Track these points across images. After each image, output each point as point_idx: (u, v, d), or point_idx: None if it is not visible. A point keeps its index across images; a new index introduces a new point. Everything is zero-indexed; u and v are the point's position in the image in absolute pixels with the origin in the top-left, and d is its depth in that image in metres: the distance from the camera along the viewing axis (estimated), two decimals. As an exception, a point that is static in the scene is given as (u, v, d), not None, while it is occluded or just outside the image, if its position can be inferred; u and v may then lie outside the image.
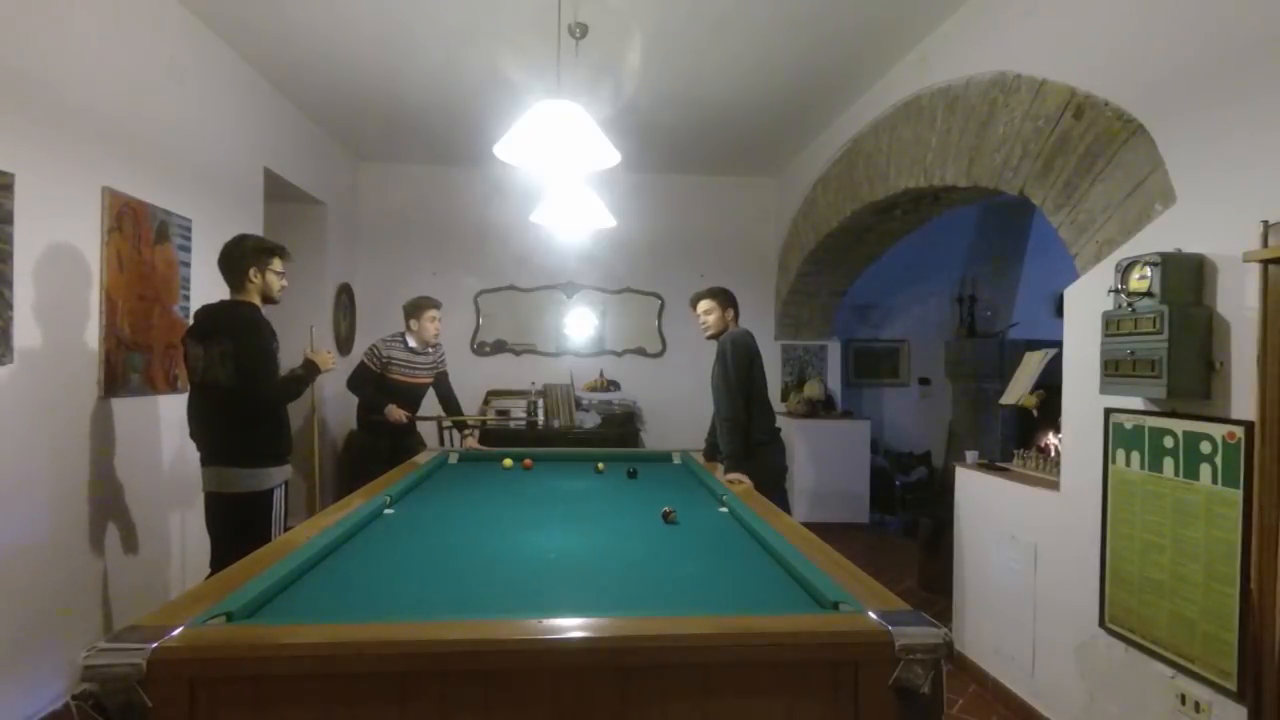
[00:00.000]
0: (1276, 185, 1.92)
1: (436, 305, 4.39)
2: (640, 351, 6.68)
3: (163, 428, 3.38)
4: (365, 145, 5.91)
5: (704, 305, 3.51)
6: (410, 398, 4.37)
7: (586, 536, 2.30)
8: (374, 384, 4.28)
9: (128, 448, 3.13)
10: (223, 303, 2.84)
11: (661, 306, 6.66)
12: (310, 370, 2.97)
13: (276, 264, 2.90)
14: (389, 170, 6.41)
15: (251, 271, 2.83)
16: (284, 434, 2.90)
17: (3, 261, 2.45)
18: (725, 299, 3.49)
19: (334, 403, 5.83)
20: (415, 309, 4.34)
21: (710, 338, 3.52)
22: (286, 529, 2.59)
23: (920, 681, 1.31)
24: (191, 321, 2.86)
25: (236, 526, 2.73)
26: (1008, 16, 3.13)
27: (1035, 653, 2.90)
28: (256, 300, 2.86)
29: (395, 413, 4.18)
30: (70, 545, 2.82)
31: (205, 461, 2.80)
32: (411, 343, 4.33)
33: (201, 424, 2.81)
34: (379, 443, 4.26)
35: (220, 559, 2.73)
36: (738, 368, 3.26)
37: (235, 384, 2.70)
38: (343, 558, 1.96)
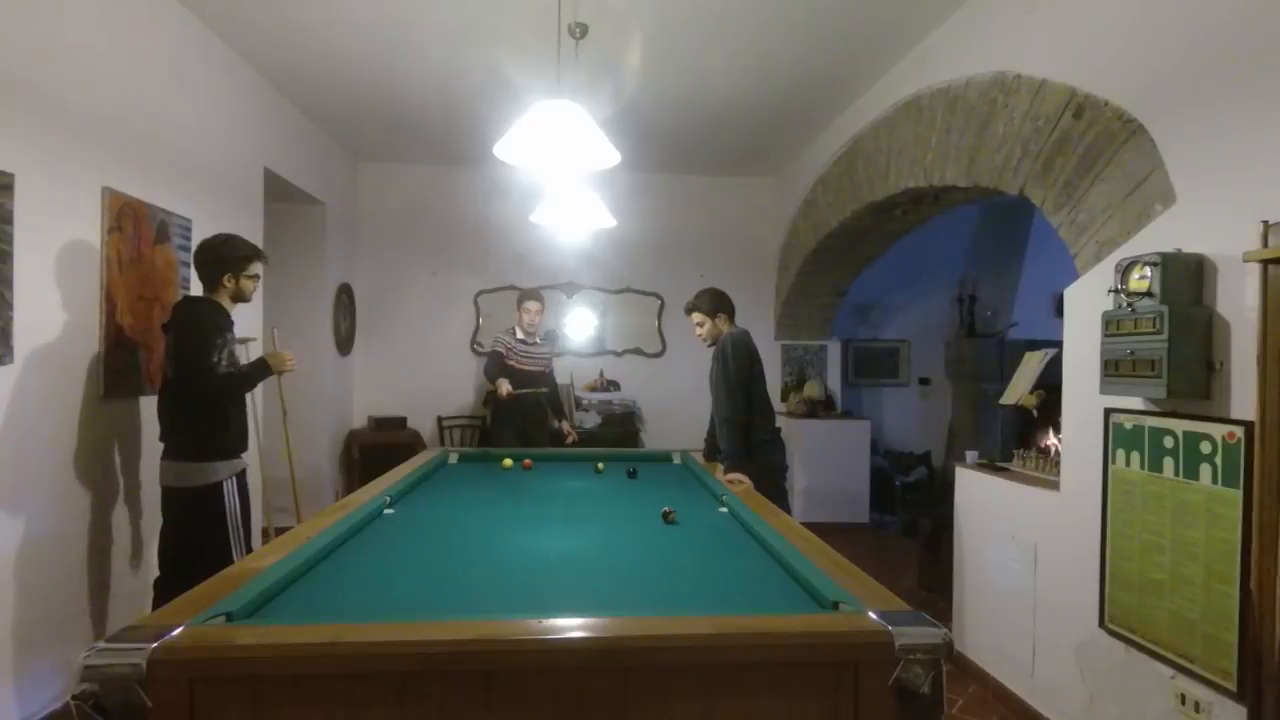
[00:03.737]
0: (1276, 185, 1.92)
1: (533, 298, 4.71)
2: (640, 351, 6.68)
3: (163, 428, 3.38)
4: (365, 145, 5.91)
5: (695, 318, 3.50)
6: (527, 383, 4.64)
7: (586, 536, 2.30)
8: (503, 368, 4.67)
9: (128, 447, 3.13)
10: (182, 299, 2.91)
11: (661, 306, 6.66)
12: (258, 367, 2.92)
13: (253, 268, 2.93)
14: (389, 170, 6.41)
15: (226, 278, 2.87)
16: (232, 428, 2.89)
17: (3, 261, 2.45)
18: (712, 306, 3.46)
19: (335, 402, 5.83)
20: (517, 301, 4.74)
21: (709, 345, 3.51)
22: (281, 530, 2.58)
23: (920, 681, 1.31)
24: None
25: (190, 521, 2.77)
26: (1008, 16, 3.13)
27: (1035, 653, 2.90)
28: (226, 301, 2.89)
29: (502, 386, 4.50)
30: (70, 545, 2.82)
31: (161, 455, 2.84)
32: (519, 333, 4.70)
33: (159, 419, 2.86)
34: (505, 432, 4.64)
35: (167, 551, 2.81)
36: (738, 368, 3.25)
37: (175, 377, 2.75)
38: (343, 557, 1.96)
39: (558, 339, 6.42)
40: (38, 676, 2.66)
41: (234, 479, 2.86)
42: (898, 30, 3.74)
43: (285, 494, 4.16)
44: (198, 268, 2.90)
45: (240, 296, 2.93)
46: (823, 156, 5.30)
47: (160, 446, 2.84)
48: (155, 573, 3.17)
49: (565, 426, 4.80)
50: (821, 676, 1.36)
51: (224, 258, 2.87)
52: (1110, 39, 2.55)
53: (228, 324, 2.85)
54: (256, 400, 3.55)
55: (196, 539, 2.74)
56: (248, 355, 3.47)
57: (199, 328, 2.75)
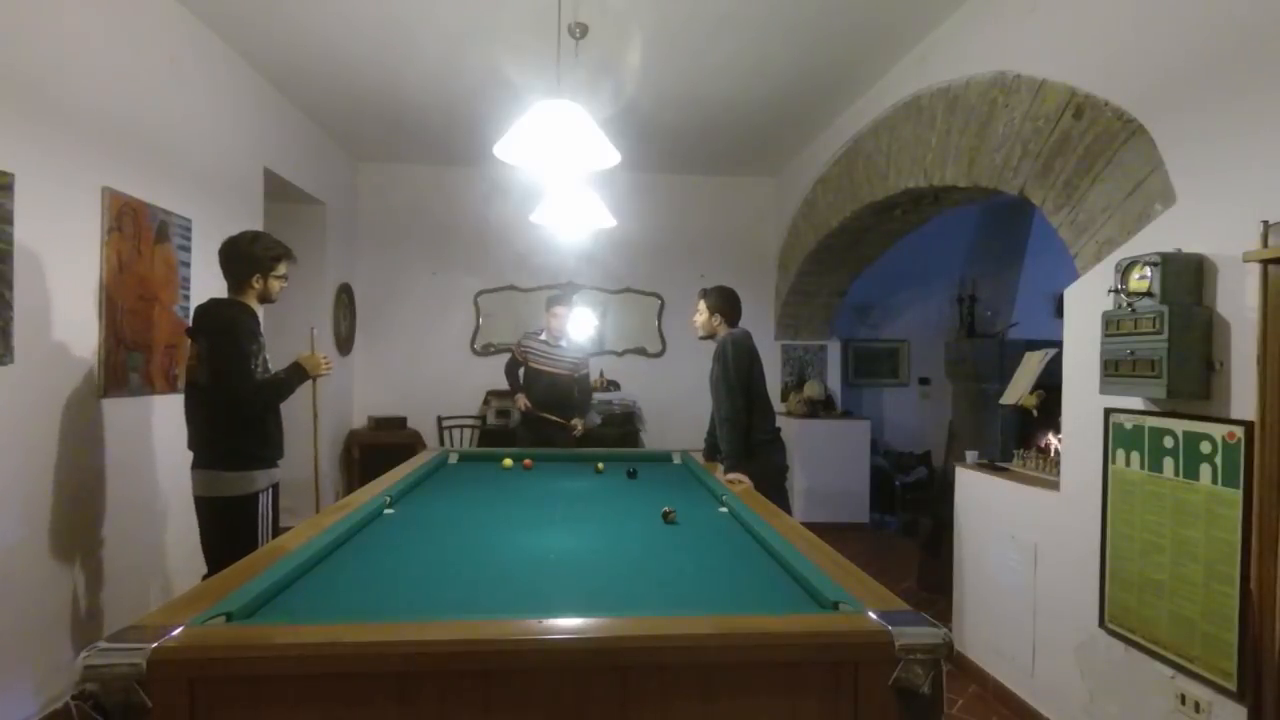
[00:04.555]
0: (1276, 185, 1.93)
1: (558, 303, 4.75)
2: (640, 351, 6.68)
3: (162, 428, 3.38)
4: (365, 145, 5.91)
5: (700, 305, 3.51)
6: (553, 385, 4.67)
7: (586, 537, 2.30)
8: (521, 372, 4.75)
9: (127, 447, 3.13)
10: (210, 302, 2.79)
11: (661, 306, 6.67)
12: (294, 373, 2.84)
13: (281, 268, 2.85)
14: (388, 170, 6.41)
15: (255, 278, 2.78)
16: (271, 437, 2.81)
17: (3, 261, 2.45)
18: (715, 302, 3.46)
19: (335, 402, 5.83)
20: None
21: (701, 338, 3.54)
22: (281, 531, 2.58)
23: (920, 681, 1.31)
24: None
25: (225, 531, 2.69)
26: (1008, 16, 3.13)
27: (1035, 653, 2.90)
28: (253, 302, 2.81)
29: (520, 401, 4.66)
30: (70, 545, 2.82)
31: (194, 464, 2.75)
32: (544, 335, 4.76)
33: (190, 425, 2.76)
34: (527, 434, 4.66)
35: (214, 564, 2.70)
36: (738, 368, 3.25)
37: (211, 385, 2.65)
38: (343, 558, 1.96)
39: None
40: (37, 677, 2.65)
41: (270, 490, 2.78)
42: (898, 30, 3.74)
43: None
44: (224, 267, 2.79)
45: (266, 297, 2.83)
46: (823, 156, 5.30)
47: (181, 453, 2.75)
48: (151, 573, 3.17)
49: (576, 423, 4.75)
50: (821, 676, 1.36)
51: (254, 257, 2.77)
52: (1110, 39, 2.55)
53: (258, 327, 2.77)
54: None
55: (225, 548, 2.61)
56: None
57: (232, 334, 2.65)
